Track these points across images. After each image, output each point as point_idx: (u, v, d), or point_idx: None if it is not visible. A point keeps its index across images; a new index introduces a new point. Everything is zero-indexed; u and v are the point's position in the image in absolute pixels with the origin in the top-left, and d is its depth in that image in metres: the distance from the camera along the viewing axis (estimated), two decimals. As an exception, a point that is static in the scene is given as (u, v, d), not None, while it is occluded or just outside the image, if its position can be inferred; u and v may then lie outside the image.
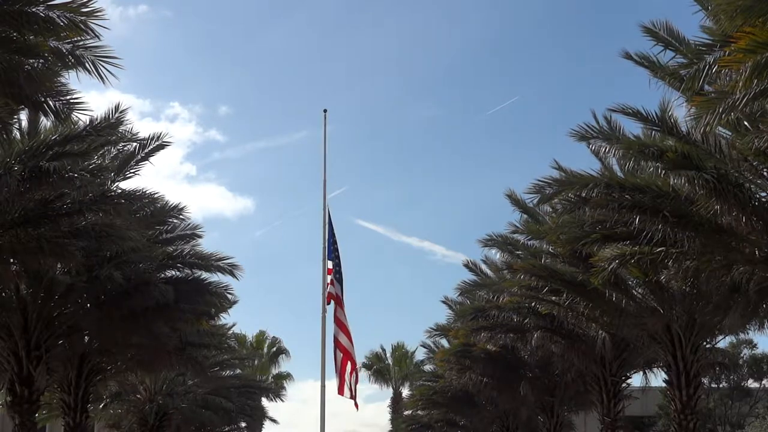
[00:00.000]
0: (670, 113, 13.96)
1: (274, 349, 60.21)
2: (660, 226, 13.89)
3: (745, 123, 12.72)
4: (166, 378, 30.71)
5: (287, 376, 59.92)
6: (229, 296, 21.48)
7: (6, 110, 12.34)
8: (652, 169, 14.43)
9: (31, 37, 10.92)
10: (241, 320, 74.08)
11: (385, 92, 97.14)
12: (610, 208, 14.52)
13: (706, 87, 11.87)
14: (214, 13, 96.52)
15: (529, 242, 22.29)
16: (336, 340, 19.75)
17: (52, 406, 26.04)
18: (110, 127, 16.23)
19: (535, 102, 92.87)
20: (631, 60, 14.78)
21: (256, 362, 56.51)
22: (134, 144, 18.38)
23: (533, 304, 21.51)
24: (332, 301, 20.02)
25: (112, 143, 17.46)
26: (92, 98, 28.03)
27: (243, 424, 45.66)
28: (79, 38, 11.06)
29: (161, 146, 18.69)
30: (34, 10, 10.47)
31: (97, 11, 10.68)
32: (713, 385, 39.71)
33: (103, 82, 11.37)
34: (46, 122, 16.39)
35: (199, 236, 20.84)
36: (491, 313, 23.65)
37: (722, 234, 13.79)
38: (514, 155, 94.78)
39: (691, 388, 18.66)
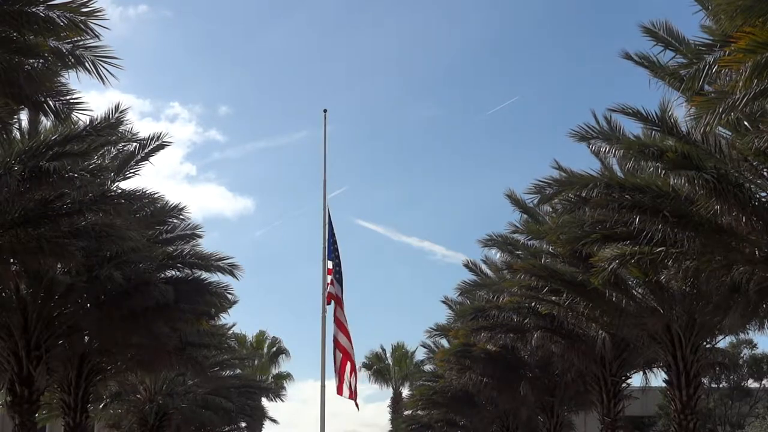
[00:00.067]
0: (670, 113, 13.96)
1: (274, 349, 60.23)
2: (660, 226, 13.89)
3: (745, 123, 12.72)
4: (166, 378, 30.71)
5: (287, 376, 60.01)
6: (229, 296, 21.49)
7: (6, 110, 12.35)
8: (652, 169, 14.42)
9: (31, 37, 10.92)
10: (241, 320, 74.27)
11: (385, 92, 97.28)
12: (610, 208, 14.52)
13: (706, 87, 11.86)
14: (214, 13, 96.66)
15: (529, 242, 22.29)
16: (335, 340, 19.74)
17: (52, 406, 26.04)
18: (110, 127, 16.23)
19: (535, 102, 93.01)
20: (631, 60, 14.79)
21: (256, 362, 56.52)
22: (134, 144, 18.39)
23: (533, 304, 21.51)
24: (332, 301, 20.01)
25: (112, 143, 17.46)
26: (92, 98, 28.05)
27: (243, 424, 45.66)
28: (79, 38, 11.05)
29: (161, 146, 18.69)
30: (34, 10, 10.47)
31: (97, 11, 10.69)
32: (713, 385, 39.71)
33: (103, 82, 11.39)
34: (46, 122, 16.41)
35: (199, 236, 20.88)
36: (491, 313, 23.65)
37: (722, 234, 13.79)
38: (514, 155, 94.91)
39: (691, 388, 18.67)
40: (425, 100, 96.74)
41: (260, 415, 47.53)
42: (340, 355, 19.64)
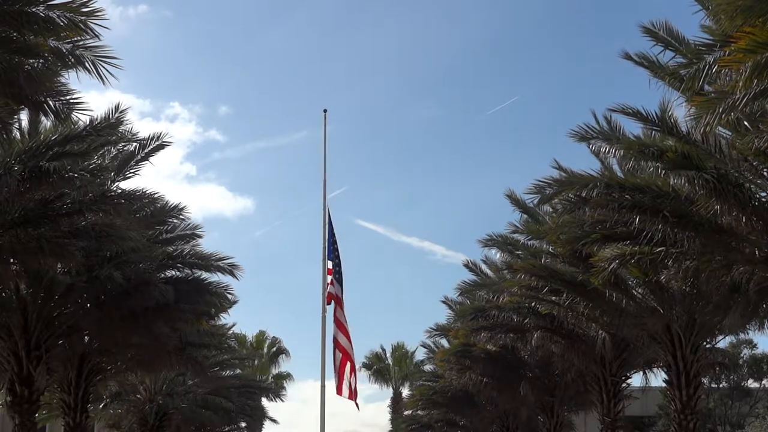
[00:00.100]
0: (670, 113, 13.96)
1: (274, 349, 60.23)
2: (660, 226, 13.89)
3: (745, 123, 12.72)
4: (166, 378, 30.71)
5: (287, 376, 60.01)
6: (229, 296, 21.50)
7: (6, 110, 12.35)
8: (652, 169, 14.42)
9: (31, 37, 10.92)
10: (241, 320, 74.26)
11: (385, 92, 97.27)
12: (610, 208, 14.52)
13: (706, 87, 11.86)
14: (214, 13, 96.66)
15: (529, 242, 22.29)
16: (335, 341, 19.73)
17: (52, 406, 26.04)
18: (110, 127, 16.23)
19: (535, 102, 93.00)
20: (631, 60, 14.78)
21: (256, 362, 56.52)
22: (134, 144, 18.38)
23: (533, 304, 21.51)
24: (332, 301, 20.00)
25: (112, 143, 17.46)
26: (92, 98, 28.03)
27: (243, 424, 45.67)
28: (79, 38, 11.05)
29: (161, 146, 18.69)
30: (34, 10, 10.47)
31: (97, 11, 10.69)
32: (713, 385, 39.70)
33: (103, 82, 11.39)
34: (46, 122, 16.41)
35: (199, 236, 20.88)
36: (491, 313, 23.65)
37: (722, 234, 13.79)
38: (514, 155, 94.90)
39: (691, 388, 18.67)
40: (425, 100, 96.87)
41: (260, 415, 47.53)
42: (339, 355, 19.63)
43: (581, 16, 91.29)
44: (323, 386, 20.16)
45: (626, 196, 14.04)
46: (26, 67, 11.01)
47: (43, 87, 11.52)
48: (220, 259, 20.48)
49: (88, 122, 15.05)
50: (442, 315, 34.69)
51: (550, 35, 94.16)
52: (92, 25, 10.79)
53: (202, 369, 25.12)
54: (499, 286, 23.71)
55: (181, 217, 19.84)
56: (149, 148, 18.52)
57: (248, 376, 44.32)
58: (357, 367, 20.81)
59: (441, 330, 31.12)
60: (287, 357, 60.26)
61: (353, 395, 19.78)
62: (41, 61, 11.22)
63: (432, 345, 36.18)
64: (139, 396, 30.78)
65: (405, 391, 59.06)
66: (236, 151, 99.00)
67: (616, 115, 15.24)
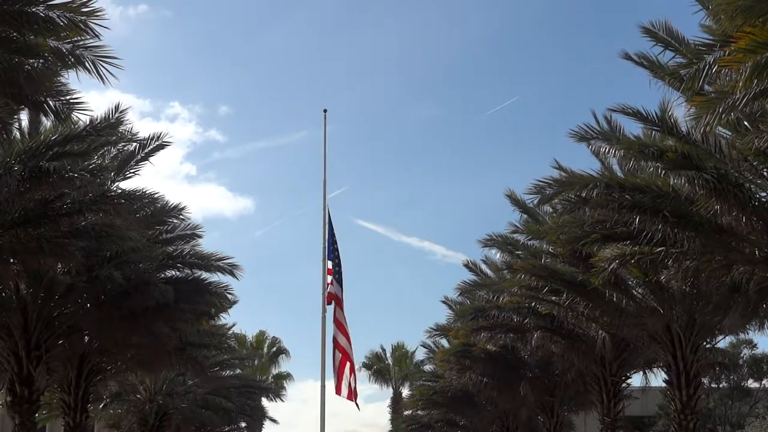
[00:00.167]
0: (670, 113, 13.96)
1: (274, 349, 60.23)
2: (660, 226, 13.89)
3: (745, 123, 12.72)
4: (166, 378, 30.71)
5: (287, 376, 60.02)
6: (229, 296, 21.50)
7: (6, 110, 12.34)
8: (652, 169, 14.42)
9: (31, 37, 10.92)
10: (241, 320, 74.28)
11: (385, 92, 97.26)
12: (610, 208, 14.52)
13: (706, 87, 11.86)
14: (214, 13, 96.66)
15: (529, 242, 22.29)
16: (335, 341, 19.73)
17: (52, 406, 26.05)
18: (110, 127, 16.22)
19: (535, 102, 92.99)
20: (631, 60, 14.78)
21: (256, 362, 56.53)
22: (134, 144, 18.38)
23: (533, 304, 21.50)
24: (332, 302, 19.99)
25: (112, 143, 17.45)
26: (92, 98, 28.00)
27: (243, 424, 45.67)
28: (79, 38, 11.05)
29: (161, 146, 18.69)
30: (34, 10, 10.47)
31: (97, 11, 10.69)
32: (713, 385, 39.70)
33: (103, 82, 11.38)
34: (46, 122, 16.40)
35: (199, 236, 20.88)
36: (491, 313, 23.65)
37: (722, 234, 13.79)
38: (514, 155, 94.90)
39: (691, 388, 18.67)
40: (425, 100, 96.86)
41: (260, 415, 47.54)
42: (339, 356, 19.63)
43: (581, 16, 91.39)
44: (323, 386, 20.17)
45: (626, 196, 14.04)
46: (26, 67, 11.01)
47: (43, 87, 11.52)
48: (220, 259, 20.49)
49: (88, 122, 15.06)
50: (442, 315, 34.75)
51: (550, 35, 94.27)
52: (92, 25, 10.79)
53: (202, 369, 25.11)
54: (499, 286, 23.70)
55: (181, 217, 19.85)
56: (149, 148, 18.51)
57: (248, 376, 44.32)
58: (357, 367, 20.84)
59: (441, 330, 31.12)
60: (287, 357, 60.37)
61: (352, 395, 19.77)
62: (41, 61, 11.22)
63: (432, 345, 36.22)
64: (139, 396, 30.78)
65: (405, 391, 59.15)
66: (236, 151, 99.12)
67: (616, 115, 15.26)
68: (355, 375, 20.24)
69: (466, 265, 28.49)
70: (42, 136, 14.91)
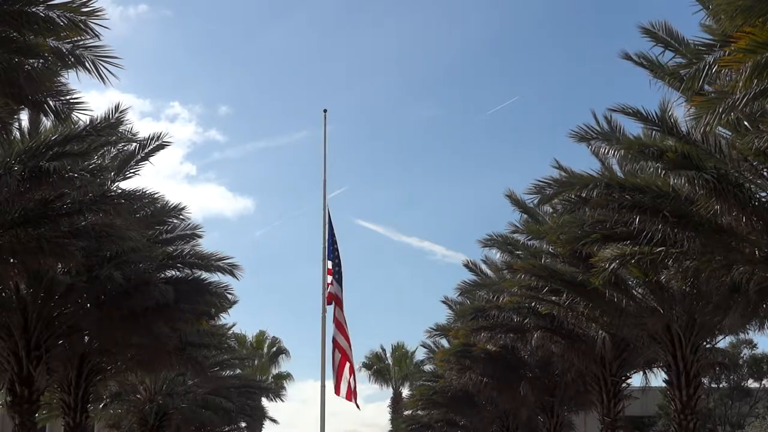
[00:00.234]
0: (670, 113, 13.96)
1: (274, 349, 60.24)
2: (660, 226, 13.89)
3: (745, 123, 12.71)
4: (166, 378, 30.72)
5: (287, 376, 60.02)
6: (229, 296, 21.50)
7: (6, 110, 12.34)
8: (652, 169, 14.42)
9: (31, 37, 10.91)
10: (241, 320, 74.27)
11: (385, 92, 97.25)
12: (610, 208, 14.52)
13: (706, 87, 11.86)
14: (214, 13, 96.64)
15: (529, 242, 22.29)
16: (334, 341, 19.72)
17: (52, 406, 26.05)
18: (110, 127, 16.22)
19: (535, 102, 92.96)
20: (631, 60, 14.77)
21: (256, 362, 56.53)
22: (134, 144, 18.37)
23: (533, 304, 21.50)
24: (332, 302, 19.99)
25: (112, 143, 17.45)
26: (92, 98, 28.03)
27: (243, 424, 45.68)
28: (79, 38, 11.05)
29: (161, 146, 18.69)
30: (34, 10, 10.46)
31: (97, 11, 10.69)
32: (713, 385, 39.70)
33: (103, 82, 11.38)
34: (46, 122, 16.40)
35: (199, 236, 20.88)
36: (491, 313, 23.65)
37: (722, 234, 13.79)
38: (514, 155, 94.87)
39: (691, 388, 18.67)
40: (425, 100, 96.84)
41: (260, 415, 47.55)
42: (339, 356, 19.62)
43: (581, 16, 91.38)
44: (323, 386, 20.16)
45: (626, 196, 14.04)
46: (26, 67, 11.00)
47: (43, 87, 11.52)
48: (220, 259, 20.49)
49: (88, 122, 15.06)
50: (442, 315, 34.74)
51: (550, 35, 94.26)
52: (92, 25, 10.79)
53: (202, 369, 25.12)
54: (499, 286, 23.70)
55: (181, 217, 19.85)
56: (149, 148, 18.51)
57: (248, 376, 44.33)
58: (357, 367, 20.84)
59: (441, 330, 31.12)
60: (287, 357, 60.38)
61: (351, 396, 19.74)
62: (41, 61, 11.22)
63: (432, 345, 36.22)
64: (139, 396, 30.78)
65: (405, 391, 59.15)
66: (236, 151, 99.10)
67: (616, 115, 15.27)
68: (354, 375, 20.24)
69: (466, 265, 28.50)
70: (42, 136, 14.92)
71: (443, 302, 31.97)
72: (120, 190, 16.55)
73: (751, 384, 41.84)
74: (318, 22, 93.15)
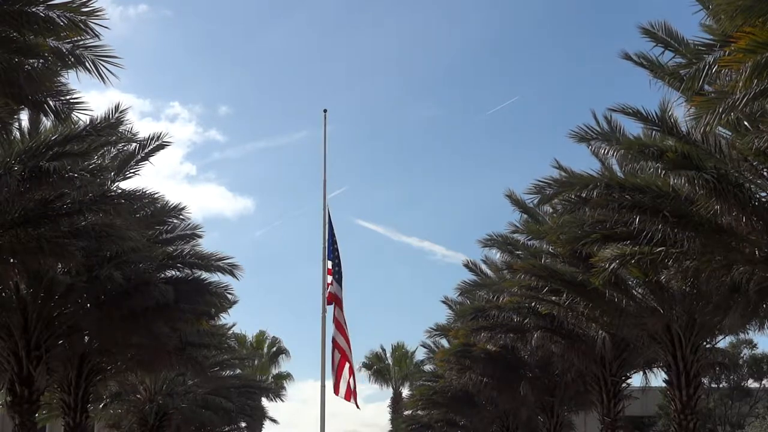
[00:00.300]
0: (670, 113, 13.96)
1: (274, 349, 60.24)
2: (660, 226, 13.89)
3: (745, 123, 12.71)
4: (166, 378, 30.72)
5: (287, 376, 60.03)
6: (229, 296, 21.50)
7: (6, 110, 12.34)
8: (652, 169, 14.42)
9: (31, 37, 10.91)
10: (241, 320, 74.29)
11: (385, 92, 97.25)
12: (610, 208, 14.52)
13: (706, 87, 11.86)
14: (214, 13, 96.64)
15: (529, 242, 22.29)
16: (334, 341, 19.72)
17: (52, 406, 26.05)
18: (110, 127, 16.22)
19: (535, 102, 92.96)
20: (631, 60, 14.77)
21: (256, 362, 56.54)
22: (134, 144, 18.38)
23: (533, 304, 21.50)
24: (332, 302, 19.98)
25: (112, 143, 17.45)
26: (92, 98, 28.04)
27: (243, 424, 45.68)
28: (79, 38, 11.05)
29: (161, 146, 18.69)
30: (34, 10, 10.46)
31: (97, 11, 10.69)
32: (713, 385, 39.70)
33: (104, 82, 11.38)
34: (46, 122, 16.40)
35: (199, 236, 20.89)
36: (491, 313, 23.65)
37: (722, 234, 13.79)
38: (514, 155, 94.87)
39: (691, 388, 18.67)
40: (425, 100, 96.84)
41: (260, 415, 47.55)
42: (338, 356, 19.62)
43: (581, 16, 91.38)
44: (323, 386, 20.16)
45: (626, 196, 14.04)
46: (26, 67, 11.00)
47: (43, 87, 11.52)
48: (220, 259, 20.49)
49: (88, 122, 15.06)
50: (442, 315, 34.74)
51: (550, 35, 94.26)
52: (92, 25, 10.79)
53: (202, 369, 25.12)
54: (499, 286, 23.70)
55: (181, 217, 19.85)
56: (149, 148, 18.51)
57: (248, 376, 44.33)
58: (357, 367, 20.84)
59: (441, 330, 31.12)
60: (287, 357, 60.39)
61: (350, 396, 19.73)
62: (41, 61, 11.22)
63: (432, 345, 36.22)
64: (139, 396, 30.78)
65: (405, 391, 59.15)
66: (236, 151, 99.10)
67: (616, 115, 15.27)
68: (354, 376, 20.24)
69: (466, 265, 28.51)
70: (42, 136, 14.92)
71: (443, 302, 32.02)
72: (120, 190, 16.55)
73: (751, 384, 41.87)
74: (318, 22, 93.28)
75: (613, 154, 15.34)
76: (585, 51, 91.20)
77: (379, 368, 62.26)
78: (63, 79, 11.75)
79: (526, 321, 22.41)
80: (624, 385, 23.29)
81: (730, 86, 10.50)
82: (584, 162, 31.48)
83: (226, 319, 27.77)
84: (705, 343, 20.15)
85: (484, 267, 27.83)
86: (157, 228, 19.91)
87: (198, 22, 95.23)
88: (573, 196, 14.89)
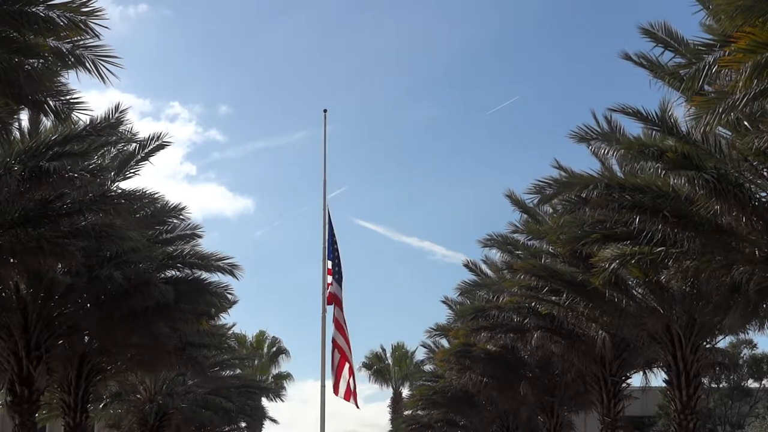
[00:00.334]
0: (670, 113, 13.96)
1: (274, 349, 60.26)
2: (660, 226, 13.90)
3: (745, 123, 12.72)
4: (166, 378, 30.72)
5: (287, 376, 60.05)
6: (229, 296, 21.51)
7: (6, 110, 12.34)
8: (652, 169, 14.43)
9: (31, 37, 10.91)
10: (241, 320, 74.33)
11: (385, 92, 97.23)
12: (610, 208, 14.52)
13: (706, 87, 11.85)
14: (214, 13, 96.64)
15: (529, 242, 22.30)
16: (334, 341, 19.71)
17: (52, 406, 26.05)
18: (110, 127, 16.23)
19: (535, 102, 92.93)
20: (631, 60, 14.76)
21: (256, 362, 56.55)
22: (134, 144, 18.38)
23: (533, 304, 21.51)
24: (332, 302, 19.97)
25: (112, 143, 17.47)
26: (92, 98, 28.05)
27: (243, 424, 45.68)
28: (79, 38, 11.04)
29: (161, 146, 18.68)
30: (34, 10, 10.46)
31: (97, 11, 10.68)
32: (713, 385, 39.70)
33: (104, 82, 11.36)
34: (46, 122, 16.41)
35: (199, 236, 20.90)
36: (491, 313, 23.66)
37: (722, 234, 13.79)
38: (514, 155, 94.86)
39: (691, 388, 18.67)
40: (425, 100, 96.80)
41: (260, 415, 47.55)
42: (338, 356, 19.61)
43: (581, 16, 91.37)
44: (323, 386, 20.14)
45: (626, 197, 14.04)
46: (26, 67, 11.00)
47: (43, 87, 11.52)
48: (220, 259, 20.50)
49: (88, 122, 15.06)
50: (442, 315, 34.75)
51: (550, 35, 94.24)
52: (92, 25, 10.78)
53: (202, 369, 25.12)
54: (499, 286, 23.71)
55: (181, 217, 19.85)
56: (149, 148, 18.51)
57: (248, 376, 44.34)
58: (357, 367, 20.83)
59: (441, 330, 31.12)
60: (287, 357, 60.41)
61: (350, 396, 19.72)
62: (41, 61, 11.21)
63: (432, 345, 36.21)
64: (139, 396, 30.78)
65: (405, 391, 59.16)
66: (236, 151, 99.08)
67: (616, 115, 15.28)
68: (354, 376, 20.22)
69: (466, 265, 28.51)
70: (42, 136, 14.94)
71: (443, 302, 32.02)
72: (120, 190, 16.56)
73: (751, 384, 41.87)
74: (318, 22, 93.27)
75: (613, 154, 15.34)
76: (585, 51, 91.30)
77: (379, 368, 62.27)
78: (63, 79, 11.75)
79: (526, 321, 22.41)
80: (624, 385, 23.29)
81: (730, 86, 10.50)
82: (584, 162, 31.54)
83: (226, 319, 27.82)
84: (705, 343, 20.16)
85: (484, 267, 27.86)
86: (157, 228, 19.92)
87: (198, 22, 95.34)
88: (573, 196, 14.90)
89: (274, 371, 59.77)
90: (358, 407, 20.55)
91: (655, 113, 13.91)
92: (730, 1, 9.98)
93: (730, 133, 13.49)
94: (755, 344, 39.93)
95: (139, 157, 18.49)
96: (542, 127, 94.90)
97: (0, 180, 13.21)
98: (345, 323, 20.05)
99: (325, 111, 21.56)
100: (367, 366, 62.06)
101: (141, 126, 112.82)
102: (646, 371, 24.51)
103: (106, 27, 10.95)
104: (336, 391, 19.53)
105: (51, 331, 18.54)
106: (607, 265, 15.06)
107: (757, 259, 13.66)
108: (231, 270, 20.45)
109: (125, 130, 17.44)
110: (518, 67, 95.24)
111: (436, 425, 39.83)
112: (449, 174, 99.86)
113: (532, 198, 17.79)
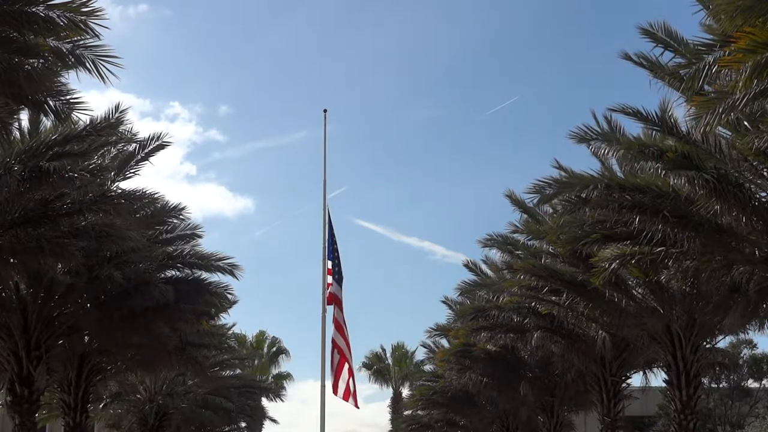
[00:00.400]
0: (670, 113, 13.96)
1: (274, 349, 60.26)
2: (660, 226, 13.90)
3: (745, 123, 12.72)
4: (166, 378, 30.72)
5: (287, 376, 60.05)
6: (229, 296, 21.51)
7: (6, 110, 12.34)
8: (652, 169, 14.43)
9: (31, 37, 10.91)
10: (241, 320, 74.40)
11: (385, 92, 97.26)
12: (610, 208, 14.52)
13: (706, 87, 11.85)
14: (214, 13, 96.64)
15: (529, 242, 22.30)
16: (333, 341, 19.70)
17: (52, 406, 26.05)
18: (110, 127, 16.23)
19: (535, 102, 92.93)
20: (631, 60, 14.76)
21: (256, 362, 56.55)
22: (134, 144, 18.37)
23: (533, 304, 21.51)
24: (332, 302, 19.96)
25: (112, 143, 17.47)
26: (92, 98, 28.07)
27: (243, 424, 45.68)
28: (79, 38, 11.05)
29: (161, 146, 18.68)
30: (34, 10, 10.46)
31: (97, 11, 10.68)
32: (713, 385, 39.70)
33: (104, 82, 11.37)
34: (46, 122, 16.41)
35: (199, 236, 20.89)
36: (491, 313, 23.66)
37: (722, 234, 13.79)
38: (514, 155, 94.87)
39: (691, 388, 18.67)
40: (425, 100, 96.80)
41: (260, 415, 47.55)
42: (337, 357, 19.60)
43: (581, 16, 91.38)
44: (323, 386, 20.13)
45: (626, 197, 14.04)
46: (26, 67, 11.00)
47: (43, 87, 11.52)
48: (220, 259, 20.50)
49: (88, 122, 15.07)
50: (442, 315, 34.75)
51: (550, 35, 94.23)
52: (92, 25, 10.78)
53: (202, 369, 25.13)
54: (499, 286, 23.71)
55: (181, 217, 19.85)
56: (149, 148, 18.51)
57: (248, 376, 44.34)
58: (357, 367, 20.83)
59: (441, 330, 31.12)
60: (287, 357, 60.42)
61: (349, 395, 19.70)
62: (41, 61, 11.21)
63: (432, 345, 36.21)
64: (139, 396, 30.78)
65: (405, 391, 59.17)
66: (236, 151, 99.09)
67: (616, 115, 15.28)
68: (353, 377, 20.20)
69: (466, 265, 28.51)
70: (42, 136, 14.94)
71: (443, 302, 32.03)
72: (120, 190, 16.56)
73: (751, 384, 41.87)
74: (318, 22, 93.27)
75: (613, 154, 15.33)
76: (585, 51, 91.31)
77: (379, 368, 62.28)
78: (63, 79, 11.75)
79: (526, 321, 22.41)
80: (624, 385, 23.29)
81: (730, 86, 10.50)
82: (584, 162, 31.51)
83: (226, 319, 27.82)
84: (705, 343, 20.16)
85: (484, 267, 27.86)
86: (157, 228, 19.92)
87: (198, 22, 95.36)
88: (573, 196, 14.90)
89: (274, 371, 59.85)
90: (357, 407, 20.57)
91: (655, 113, 13.91)
92: (730, 1, 9.98)
93: (730, 133, 13.49)
94: (755, 344, 40.00)
95: (139, 157, 18.49)
96: (542, 127, 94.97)
97: (0, 180, 13.21)
98: (345, 324, 20.04)
99: (325, 111, 21.57)
100: (367, 366, 62.10)
101: (141, 126, 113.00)
102: (646, 371, 24.52)
103: (106, 27, 10.97)
104: (335, 390, 19.53)
105: (51, 331, 18.54)
106: (607, 265, 15.06)
107: (757, 259, 13.66)
108: (231, 270, 20.46)
109: (125, 130, 17.45)
110: (518, 67, 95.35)
111: (436, 425, 39.83)
112: (449, 174, 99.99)
113: (532, 198, 17.80)
